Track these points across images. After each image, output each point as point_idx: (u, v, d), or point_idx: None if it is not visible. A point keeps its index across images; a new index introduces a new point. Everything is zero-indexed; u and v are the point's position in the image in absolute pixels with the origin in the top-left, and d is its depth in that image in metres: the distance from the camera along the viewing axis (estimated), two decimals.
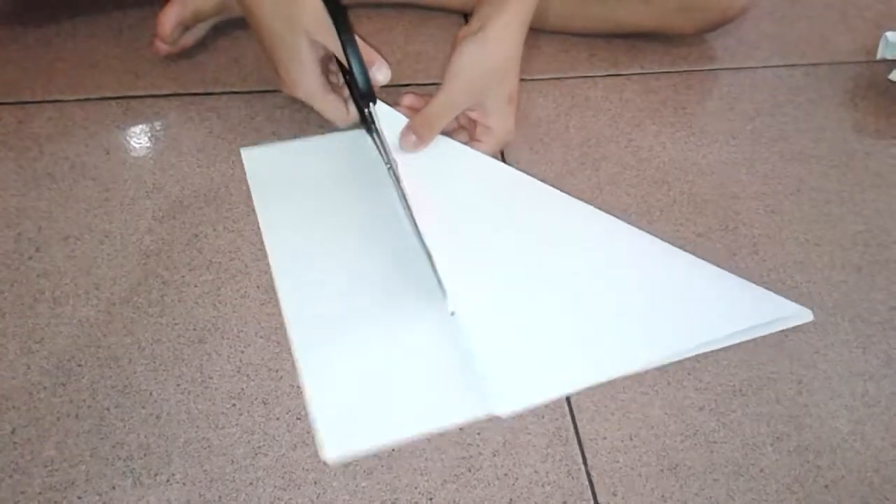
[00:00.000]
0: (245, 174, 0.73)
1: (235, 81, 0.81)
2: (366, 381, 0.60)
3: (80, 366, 0.60)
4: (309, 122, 0.78)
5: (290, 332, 0.63)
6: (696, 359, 0.65)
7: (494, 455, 0.58)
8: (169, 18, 0.77)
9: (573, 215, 0.71)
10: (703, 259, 0.69)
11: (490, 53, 0.69)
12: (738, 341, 0.65)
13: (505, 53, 0.70)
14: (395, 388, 0.60)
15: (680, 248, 0.72)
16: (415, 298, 0.65)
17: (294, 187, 0.73)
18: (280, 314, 0.64)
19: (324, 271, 0.67)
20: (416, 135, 0.71)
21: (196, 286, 0.65)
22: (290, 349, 0.62)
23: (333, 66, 0.74)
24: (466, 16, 0.91)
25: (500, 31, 0.69)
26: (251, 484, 0.55)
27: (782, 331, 0.67)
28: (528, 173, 0.75)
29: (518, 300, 0.65)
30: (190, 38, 0.80)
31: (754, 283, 0.69)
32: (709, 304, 0.66)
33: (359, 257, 0.68)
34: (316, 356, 0.62)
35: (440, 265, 0.64)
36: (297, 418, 0.59)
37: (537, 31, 0.90)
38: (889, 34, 0.89)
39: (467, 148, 0.73)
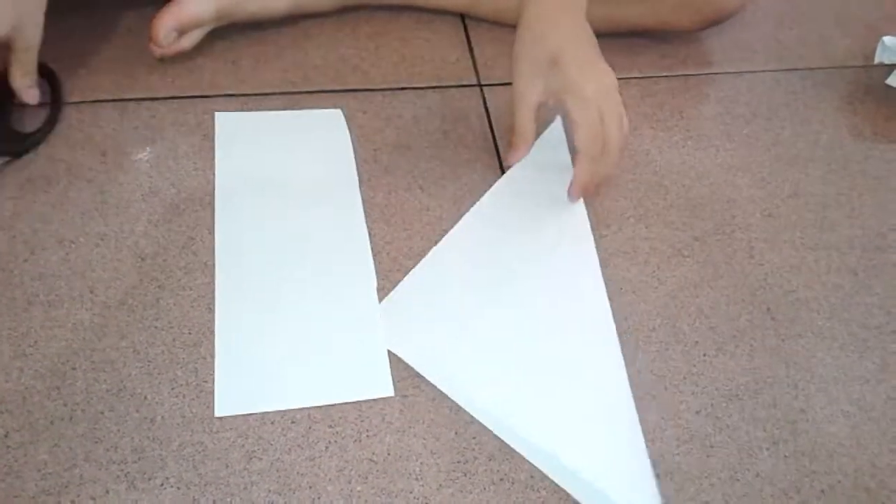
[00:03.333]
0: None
1: (232, 84, 0.81)
2: (274, 347, 0.62)
3: (74, 369, 0.60)
4: None
5: (217, 290, 0.64)
6: (693, 363, 0.65)
7: (490, 460, 0.58)
8: (163, 24, 0.77)
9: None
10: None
11: (540, 40, 0.68)
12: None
13: (555, 33, 0.68)
14: (301, 358, 0.61)
15: (678, 251, 0.72)
16: (344, 276, 0.66)
17: (257, 155, 0.74)
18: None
19: (263, 242, 0.68)
20: (512, 144, 0.72)
21: (191, 289, 0.65)
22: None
23: None
24: (464, 18, 0.91)
25: (548, 16, 0.68)
26: (245, 488, 0.55)
27: (779, 336, 0.67)
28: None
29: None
30: (187, 42, 0.80)
31: (741, 300, 0.70)
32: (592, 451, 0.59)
33: (300, 232, 0.69)
34: (234, 317, 0.63)
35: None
36: (292, 422, 0.59)
37: None
38: (886, 38, 0.89)
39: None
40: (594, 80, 0.67)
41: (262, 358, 0.61)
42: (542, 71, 0.68)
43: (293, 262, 0.67)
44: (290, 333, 0.63)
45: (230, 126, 0.76)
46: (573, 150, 0.71)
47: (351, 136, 0.77)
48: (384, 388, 0.61)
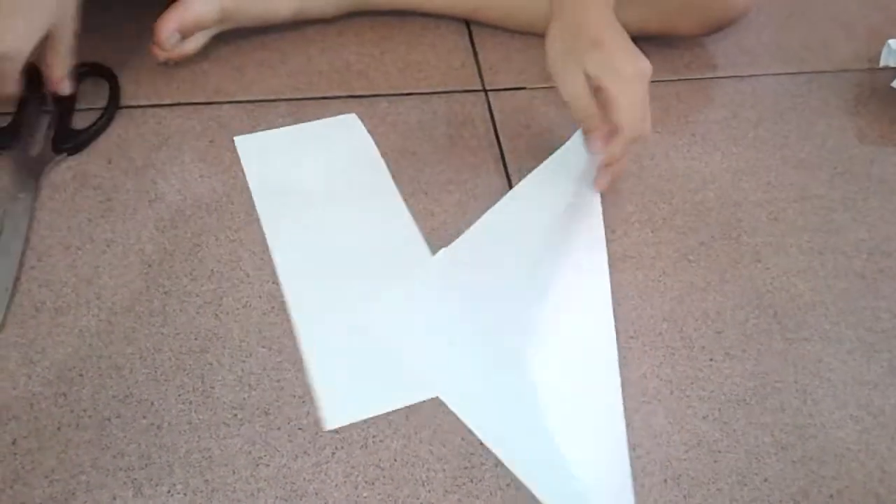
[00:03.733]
0: (246, 180, 0.73)
1: (237, 91, 0.81)
2: (361, 355, 0.62)
3: (81, 376, 0.60)
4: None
5: (292, 309, 0.65)
6: (700, 368, 0.65)
7: (497, 465, 0.58)
8: (166, 25, 0.77)
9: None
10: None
11: (578, 25, 0.68)
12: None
13: (592, 18, 0.68)
14: (387, 361, 0.62)
15: (684, 256, 0.72)
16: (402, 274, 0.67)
17: (290, 172, 0.74)
18: (283, 323, 0.64)
19: (323, 253, 0.68)
20: (588, 131, 0.71)
21: (198, 296, 0.65)
22: (291, 360, 0.62)
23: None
24: (469, 23, 0.91)
25: (570, 8, 0.68)
26: (252, 495, 0.55)
27: (786, 340, 0.67)
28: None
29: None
30: (190, 46, 0.80)
31: (752, 297, 0.69)
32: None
33: (354, 239, 0.69)
34: (317, 330, 0.63)
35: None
36: (299, 428, 0.59)
37: (544, 39, 0.90)
38: (892, 41, 0.88)
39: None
40: (634, 63, 0.66)
41: (356, 365, 0.62)
42: (583, 57, 0.67)
43: (356, 269, 0.68)
44: (371, 337, 0.63)
45: (252, 148, 0.76)
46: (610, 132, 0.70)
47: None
48: None
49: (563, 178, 0.75)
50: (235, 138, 0.76)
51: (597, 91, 0.67)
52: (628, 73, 0.66)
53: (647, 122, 0.67)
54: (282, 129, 0.78)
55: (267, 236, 0.69)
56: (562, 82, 0.69)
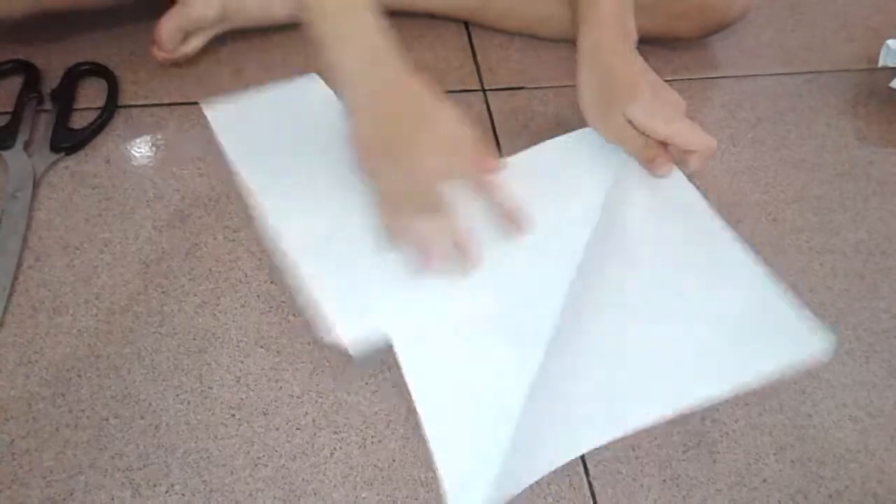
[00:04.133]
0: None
1: (236, 91, 0.80)
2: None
3: (79, 376, 0.60)
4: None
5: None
6: None
7: None
8: (168, 25, 0.77)
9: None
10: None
11: (611, 77, 0.69)
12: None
13: (624, 68, 0.69)
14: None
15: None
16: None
17: (270, 137, 0.72)
18: (281, 323, 0.64)
19: (320, 212, 0.66)
20: (651, 161, 0.69)
21: (196, 295, 0.65)
22: (289, 360, 0.62)
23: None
24: (468, 25, 0.91)
25: (612, 53, 0.69)
26: (250, 495, 0.55)
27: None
28: None
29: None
30: (190, 47, 0.80)
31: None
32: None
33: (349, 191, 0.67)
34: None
35: None
36: (297, 429, 0.58)
37: (542, 40, 0.90)
38: (891, 42, 0.88)
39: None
40: (673, 105, 0.68)
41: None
42: (624, 107, 0.68)
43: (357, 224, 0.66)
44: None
45: (224, 118, 0.74)
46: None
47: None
48: None
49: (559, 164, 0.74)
50: (203, 105, 0.73)
51: (642, 132, 0.69)
52: (669, 115, 0.68)
53: (704, 138, 0.68)
54: (249, 94, 0.76)
55: (265, 206, 0.66)
56: (605, 129, 0.71)
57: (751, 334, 0.62)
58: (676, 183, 0.71)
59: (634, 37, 0.71)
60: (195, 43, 0.80)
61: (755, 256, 0.66)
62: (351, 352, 0.58)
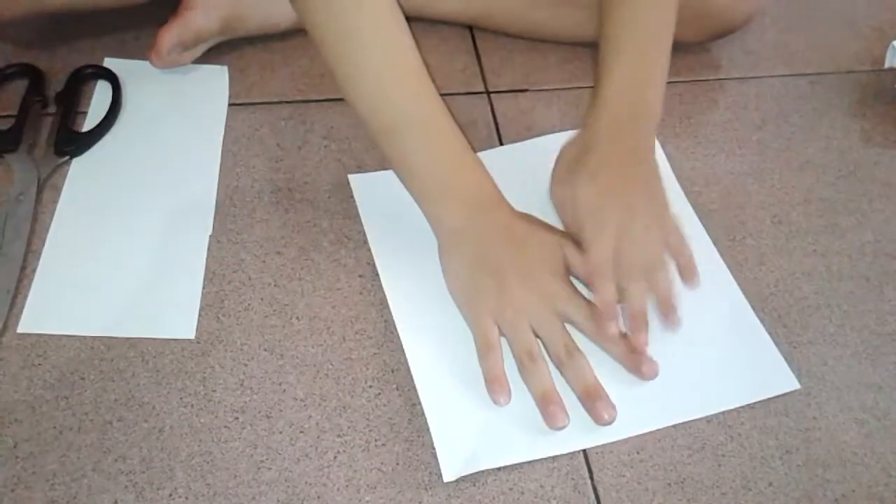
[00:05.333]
0: (248, 181, 0.73)
1: (240, 93, 0.81)
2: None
3: (83, 379, 0.60)
4: (313, 131, 0.78)
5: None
6: None
7: (499, 469, 0.58)
8: (168, 38, 0.77)
9: None
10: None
11: (603, 192, 0.64)
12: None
13: (615, 181, 0.65)
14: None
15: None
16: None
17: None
18: (284, 327, 0.64)
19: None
20: (599, 323, 0.62)
21: (200, 298, 0.65)
22: (293, 363, 0.62)
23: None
24: (472, 28, 0.91)
25: (605, 161, 0.65)
26: (254, 498, 0.55)
27: (790, 343, 0.67)
28: None
29: None
30: (188, 57, 0.80)
31: (760, 298, 0.69)
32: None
33: None
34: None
35: None
36: (301, 432, 0.58)
37: (545, 42, 0.90)
38: None
39: None
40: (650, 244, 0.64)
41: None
42: (612, 220, 0.63)
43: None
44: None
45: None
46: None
47: (357, 143, 0.77)
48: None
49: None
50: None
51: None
52: (628, 269, 0.62)
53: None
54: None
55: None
56: (557, 202, 0.68)
57: (730, 367, 0.64)
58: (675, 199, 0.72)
59: (656, 118, 0.67)
60: (194, 52, 0.80)
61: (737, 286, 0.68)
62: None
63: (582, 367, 0.60)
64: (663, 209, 0.66)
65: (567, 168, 0.67)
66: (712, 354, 0.65)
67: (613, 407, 0.59)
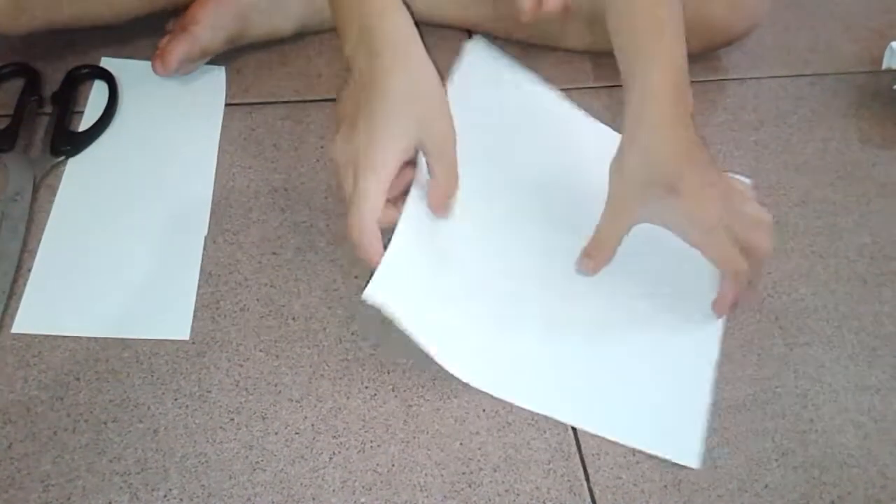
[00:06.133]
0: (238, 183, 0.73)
1: (235, 93, 0.80)
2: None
3: (77, 379, 0.60)
4: (309, 132, 0.78)
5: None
6: None
7: (495, 471, 0.57)
8: (175, 56, 0.76)
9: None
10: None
11: (651, 160, 0.61)
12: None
13: (670, 151, 0.61)
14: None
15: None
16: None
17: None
18: (280, 327, 0.64)
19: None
20: (592, 259, 0.64)
21: (195, 298, 0.65)
22: (289, 364, 0.62)
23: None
24: (470, 33, 0.91)
25: (657, 130, 0.61)
26: (249, 500, 0.55)
27: (787, 345, 0.67)
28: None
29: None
30: (192, 67, 0.80)
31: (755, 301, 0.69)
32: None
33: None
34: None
35: None
36: (296, 433, 0.58)
37: (543, 48, 0.89)
38: (895, 44, 0.88)
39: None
40: (714, 207, 0.61)
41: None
42: (655, 197, 0.61)
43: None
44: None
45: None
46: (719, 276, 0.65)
47: None
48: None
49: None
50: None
51: (679, 232, 0.63)
52: (711, 223, 0.61)
53: (737, 259, 0.62)
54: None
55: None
56: (616, 204, 0.63)
57: (654, 406, 0.62)
58: None
59: (691, 109, 0.64)
60: (198, 63, 0.80)
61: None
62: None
63: None
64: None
65: (641, 189, 0.62)
66: (649, 385, 0.63)
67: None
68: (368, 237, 0.57)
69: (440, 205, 0.63)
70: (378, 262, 0.58)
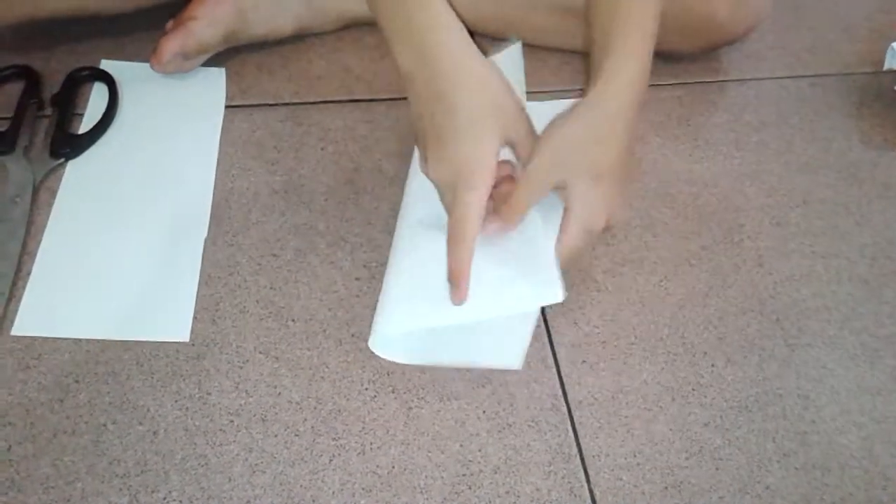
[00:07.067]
0: (245, 183, 0.73)
1: (236, 95, 0.80)
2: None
3: (77, 382, 0.60)
4: (309, 134, 0.78)
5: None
6: (701, 374, 0.64)
7: (495, 472, 0.57)
8: (170, 47, 0.76)
9: None
10: None
11: (595, 142, 0.60)
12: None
13: (615, 143, 0.60)
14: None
15: (686, 260, 0.71)
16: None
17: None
18: (280, 329, 0.64)
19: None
20: (499, 212, 0.60)
21: (195, 300, 0.65)
22: (288, 366, 0.62)
23: None
24: (472, 34, 0.91)
25: (613, 119, 0.60)
26: (249, 502, 0.55)
27: (789, 346, 0.66)
28: None
29: None
30: (190, 65, 0.80)
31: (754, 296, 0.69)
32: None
33: None
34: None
35: None
36: (296, 435, 0.58)
37: (543, 49, 0.89)
38: None
39: None
40: (610, 212, 0.61)
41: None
42: (576, 174, 0.59)
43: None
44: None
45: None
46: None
47: (354, 145, 0.77)
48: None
49: None
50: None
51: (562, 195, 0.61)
52: (594, 225, 0.60)
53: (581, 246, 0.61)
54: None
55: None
56: (539, 166, 0.60)
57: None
58: None
59: (645, 98, 0.63)
60: (196, 60, 0.80)
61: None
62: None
63: None
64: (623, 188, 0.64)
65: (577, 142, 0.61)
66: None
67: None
68: (466, 274, 0.57)
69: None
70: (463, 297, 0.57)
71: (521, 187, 0.60)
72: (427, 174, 0.60)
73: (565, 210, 0.60)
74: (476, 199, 0.56)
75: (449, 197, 0.58)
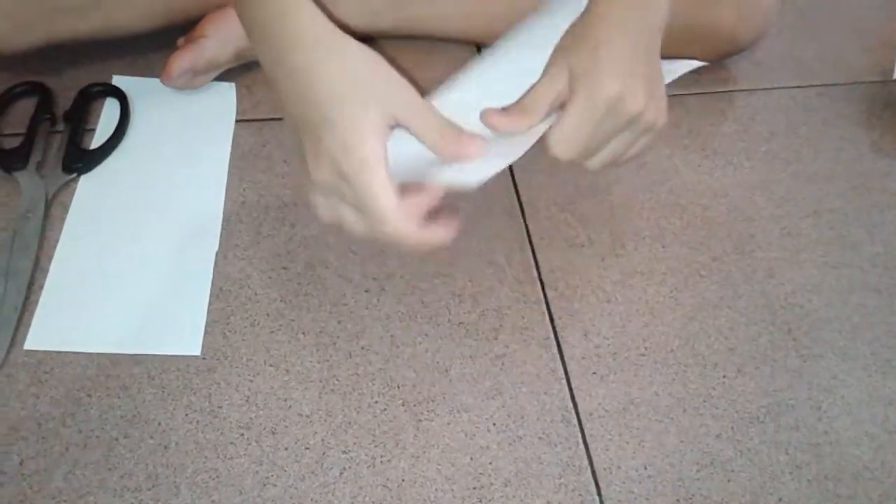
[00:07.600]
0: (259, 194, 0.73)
1: (247, 109, 0.81)
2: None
3: (89, 395, 0.60)
4: None
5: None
6: (712, 385, 0.64)
7: (506, 485, 0.57)
8: (180, 64, 0.77)
9: None
10: None
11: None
12: None
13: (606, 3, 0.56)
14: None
15: (696, 271, 0.71)
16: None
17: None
18: (290, 342, 0.64)
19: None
20: (511, 111, 0.56)
21: (206, 314, 0.65)
22: (299, 379, 0.62)
23: None
24: (479, 46, 0.91)
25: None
26: None
27: (800, 356, 0.66)
28: (539, 199, 0.75)
29: None
30: (200, 81, 0.80)
31: (769, 309, 0.69)
32: None
33: None
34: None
35: None
36: (306, 448, 0.58)
37: None
38: None
39: None
40: (612, 90, 0.56)
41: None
42: (580, 51, 0.56)
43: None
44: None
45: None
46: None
47: None
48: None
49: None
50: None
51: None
52: (600, 93, 0.56)
53: (572, 152, 0.57)
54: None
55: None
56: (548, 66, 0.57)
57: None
58: None
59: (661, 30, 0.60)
60: (206, 77, 0.80)
61: None
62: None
63: None
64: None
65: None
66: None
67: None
68: (404, 222, 0.50)
69: (458, 152, 0.54)
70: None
71: (536, 90, 0.56)
72: (313, 189, 0.53)
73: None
74: (374, 177, 0.49)
75: (347, 192, 0.51)
